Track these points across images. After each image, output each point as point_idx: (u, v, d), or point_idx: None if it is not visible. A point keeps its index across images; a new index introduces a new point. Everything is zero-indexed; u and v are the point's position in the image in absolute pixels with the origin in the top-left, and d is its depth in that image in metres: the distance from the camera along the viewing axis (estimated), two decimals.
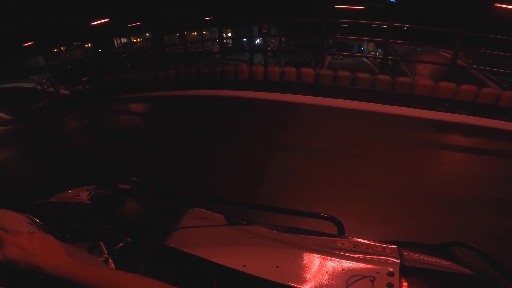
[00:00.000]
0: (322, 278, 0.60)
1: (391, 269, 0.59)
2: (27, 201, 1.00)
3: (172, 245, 0.77)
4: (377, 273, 0.59)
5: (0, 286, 0.49)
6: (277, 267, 0.64)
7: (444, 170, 3.13)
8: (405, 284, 0.58)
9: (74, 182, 1.21)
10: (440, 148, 3.67)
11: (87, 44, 22.75)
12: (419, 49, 23.92)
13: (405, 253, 0.69)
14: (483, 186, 2.79)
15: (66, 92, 9.90)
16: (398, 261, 0.62)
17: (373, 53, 30.00)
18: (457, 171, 3.14)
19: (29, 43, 15.74)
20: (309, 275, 0.61)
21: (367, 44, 34.11)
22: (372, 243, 0.70)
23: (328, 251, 0.67)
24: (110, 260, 0.90)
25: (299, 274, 0.62)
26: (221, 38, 8.06)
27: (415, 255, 0.73)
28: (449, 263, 0.70)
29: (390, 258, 0.63)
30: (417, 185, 2.76)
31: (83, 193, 1.02)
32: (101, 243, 0.95)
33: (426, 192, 2.65)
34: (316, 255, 0.66)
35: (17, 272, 0.48)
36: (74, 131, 5.91)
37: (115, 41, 24.30)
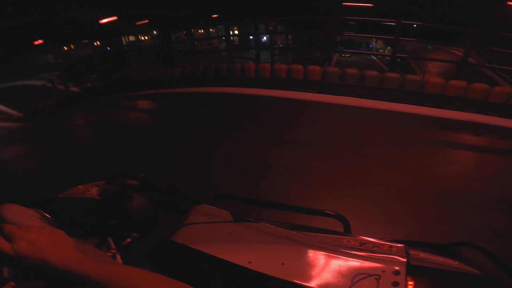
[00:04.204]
0: (328, 276, 0.60)
1: (397, 268, 0.59)
2: (38, 197, 1.01)
3: (179, 241, 0.78)
4: (383, 271, 0.58)
5: (10, 281, 0.50)
6: (283, 264, 0.64)
7: (453, 169, 3.08)
8: (411, 283, 0.57)
9: (84, 178, 1.23)
10: (450, 147, 3.61)
11: (96, 42, 23.02)
12: (428, 47, 23.46)
13: (412, 252, 0.68)
14: (493, 185, 2.74)
15: (76, 89, 10.05)
16: (405, 260, 0.61)
17: (382, 50, 29.55)
18: (467, 170, 3.09)
19: (40, 41, 16.01)
20: (314, 272, 0.61)
21: (376, 42, 33.60)
22: (378, 241, 0.70)
23: (334, 249, 0.66)
24: (118, 256, 0.90)
25: (305, 271, 0.61)
26: (228, 35, 8.06)
27: (422, 254, 0.72)
28: (456, 262, 0.69)
29: (397, 257, 0.62)
30: (425, 184, 2.72)
31: (92, 189, 1.04)
32: (110, 238, 0.96)
33: (435, 191, 2.61)
34: (322, 252, 0.66)
35: (27, 266, 0.49)
36: (84, 127, 6.00)
37: (123, 39, 24.52)
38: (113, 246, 0.93)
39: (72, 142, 5.05)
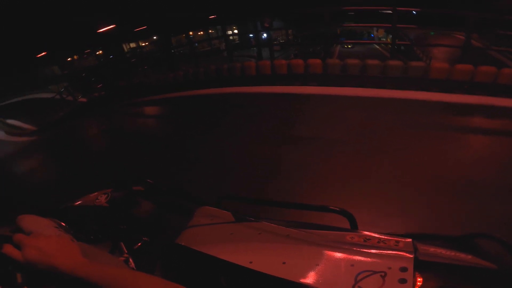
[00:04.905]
0: (330, 274, 0.58)
1: (404, 264, 0.57)
2: (53, 207, 1.05)
3: (183, 243, 0.79)
4: (389, 268, 0.56)
5: (24, 286, 0.52)
6: (284, 263, 0.63)
7: (466, 155, 2.99)
8: (419, 279, 0.55)
9: (95, 185, 1.25)
10: (460, 132, 3.52)
11: (98, 52, 23.30)
12: (432, 33, 22.93)
13: (421, 246, 0.66)
14: (507, 170, 2.65)
15: (84, 100, 10.22)
16: (412, 256, 0.59)
17: (384, 39, 28.99)
18: (479, 155, 2.99)
19: (43, 53, 16.26)
20: (316, 271, 0.60)
21: (377, 31, 33.01)
22: (384, 237, 0.67)
23: (336, 246, 0.65)
24: (130, 260, 0.93)
25: (306, 270, 0.60)
26: (226, 35, 8.06)
27: (432, 249, 0.69)
28: (470, 256, 0.65)
29: (403, 253, 0.60)
30: (437, 172, 2.65)
31: (101, 197, 1.07)
32: (122, 243, 0.98)
33: (446, 179, 2.55)
34: (324, 250, 0.64)
35: (37, 272, 0.52)
36: (94, 137, 6.13)
37: (124, 46, 24.72)
38: (125, 251, 0.96)
39: (83, 151, 5.18)
